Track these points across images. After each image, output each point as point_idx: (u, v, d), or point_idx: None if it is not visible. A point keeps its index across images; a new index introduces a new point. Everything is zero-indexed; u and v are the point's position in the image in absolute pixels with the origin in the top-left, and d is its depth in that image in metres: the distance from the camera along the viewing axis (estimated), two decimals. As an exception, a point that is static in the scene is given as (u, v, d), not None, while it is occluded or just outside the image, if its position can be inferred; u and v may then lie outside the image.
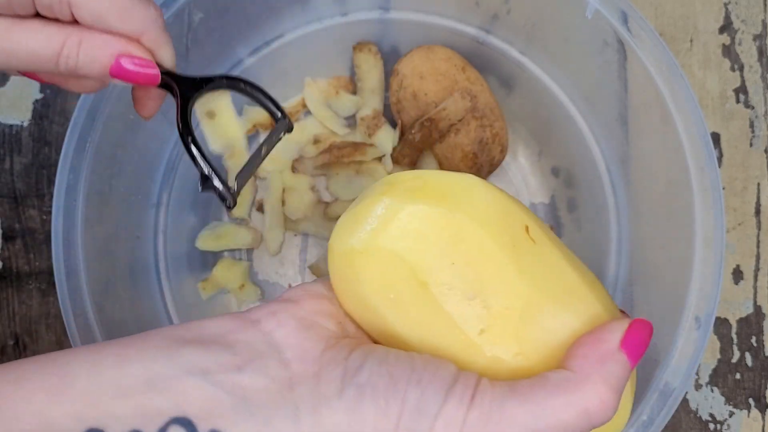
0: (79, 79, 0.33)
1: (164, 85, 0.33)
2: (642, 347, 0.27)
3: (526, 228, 0.29)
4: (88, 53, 0.30)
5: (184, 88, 0.34)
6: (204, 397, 0.23)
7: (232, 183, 0.34)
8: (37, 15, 0.30)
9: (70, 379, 0.24)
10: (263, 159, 0.36)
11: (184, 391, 0.23)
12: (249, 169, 0.36)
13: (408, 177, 0.30)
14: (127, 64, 0.31)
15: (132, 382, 0.24)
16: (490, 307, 0.28)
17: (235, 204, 0.34)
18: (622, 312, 0.31)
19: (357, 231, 0.29)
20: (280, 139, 0.36)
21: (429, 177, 0.30)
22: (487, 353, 0.28)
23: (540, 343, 0.28)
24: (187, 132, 0.34)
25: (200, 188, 0.33)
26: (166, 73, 0.33)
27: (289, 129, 0.37)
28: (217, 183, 0.33)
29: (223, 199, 0.33)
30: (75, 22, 0.30)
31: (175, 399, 0.23)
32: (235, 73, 0.48)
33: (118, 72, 0.31)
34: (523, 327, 0.28)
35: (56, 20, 0.30)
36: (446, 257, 0.28)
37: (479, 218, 0.28)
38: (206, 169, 0.33)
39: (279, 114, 0.36)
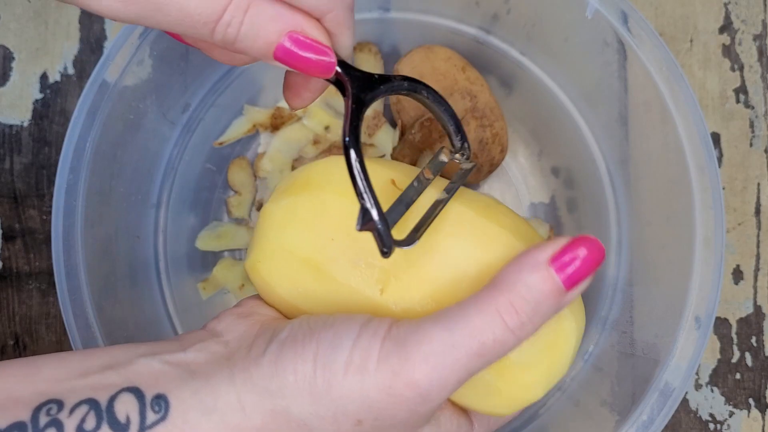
0: (231, 51, 0.27)
1: (334, 79, 0.27)
2: (579, 268, 0.25)
3: (392, 181, 0.30)
4: (255, 24, 0.25)
5: (357, 86, 0.27)
6: (152, 371, 0.26)
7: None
8: None
9: (38, 368, 0.26)
10: (442, 208, 0.29)
11: (135, 369, 0.26)
12: (427, 219, 0.29)
13: (286, 178, 0.33)
14: (299, 48, 0.25)
15: (92, 366, 0.26)
16: (375, 266, 0.29)
17: (390, 252, 0.26)
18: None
19: (254, 245, 0.32)
20: (464, 179, 0.30)
21: (298, 171, 0.32)
22: (395, 309, 0.28)
23: (447, 282, 0.28)
24: (355, 145, 0.26)
25: (358, 226, 0.26)
26: (339, 63, 0.27)
27: (472, 168, 0.30)
28: (380, 225, 0.26)
29: (381, 244, 0.26)
30: None
31: (126, 374, 0.26)
32: (235, 73, 0.48)
33: (285, 55, 0.25)
34: (423, 271, 0.28)
35: None
36: (324, 235, 0.29)
37: (338, 191, 0.30)
38: (371, 204, 0.26)
39: (464, 145, 0.30)
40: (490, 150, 0.48)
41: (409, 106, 0.48)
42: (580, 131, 0.47)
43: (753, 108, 0.53)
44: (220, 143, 0.50)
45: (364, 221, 0.26)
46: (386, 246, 0.26)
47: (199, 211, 0.50)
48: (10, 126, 0.51)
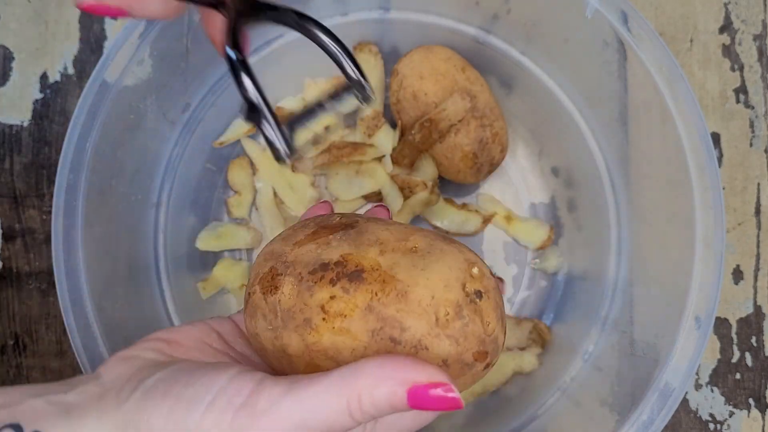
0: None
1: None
2: (432, 403, 0.27)
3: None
4: None
5: (239, 5, 0.28)
6: (35, 409, 0.28)
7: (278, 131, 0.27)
8: None
9: None
10: (322, 111, 0.30)
11: (22, 407, 0.28)
12: (304, 119, 0.30)
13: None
14: None
15: None
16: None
17: (288, 154, 0.27)
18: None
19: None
20: (351, 103, 0.31)
21: None
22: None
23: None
24: (234, 44, 0.28)
25: (244, 118, 0.27)
26: None
27: (366, 99, 0.30)
28: (268, 116, 0.26)
29: (270, 143, 0.27)
30: None
31: (12, 412, 0.28)
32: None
33: None
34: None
35: None
36: None
37: None
38: (255, 97, 0.26)
39: (355, 75, 0.30)
40: (490, 150, 0.48)
41: (409, 107, 0.48)
42: (580, 131, 0.47)
43: (753, 108, 0.53)
44: (220, 143, 0.50)
45: (251, 116, 0.27)
46: (274, 143, 0.27)
47: (199, 211, 0.50)
48: (10, 126, 0.51)
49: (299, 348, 0.29)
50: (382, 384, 0.26)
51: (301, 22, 0.29)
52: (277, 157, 0.27)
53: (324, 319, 0.28)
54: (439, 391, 0.27)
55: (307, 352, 0.29)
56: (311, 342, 0.28)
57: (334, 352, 0.28)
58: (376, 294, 0.27)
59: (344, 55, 0.29)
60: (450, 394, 0.27)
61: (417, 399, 0.26)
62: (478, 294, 0.28)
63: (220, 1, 0.28)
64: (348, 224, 0.31)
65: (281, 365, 0.30)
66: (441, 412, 0.28)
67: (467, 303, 0.27)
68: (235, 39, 0.28)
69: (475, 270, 0.28)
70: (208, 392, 0.27)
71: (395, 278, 0.27)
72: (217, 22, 0.31)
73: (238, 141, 0.51)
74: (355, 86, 0.30)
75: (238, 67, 0.27)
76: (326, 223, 0.32)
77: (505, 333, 0.30)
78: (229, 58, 0.27)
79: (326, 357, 0.28)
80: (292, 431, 0.26)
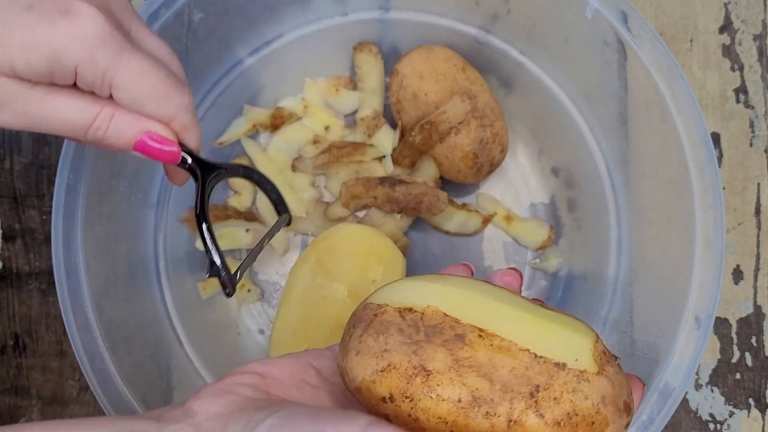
0: (102, 145, 0.35)
1: (187, 167, 0.35)
2: None
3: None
4: (118, 127, 0.32)
5: (205, 172, 0.36)
6: None
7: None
8: (74, 86, 0.31)
9: None
10: (262, 249, 0.42)
11: None
12: (249, 261, 0.40)
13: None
14: (151, 142, 0.33)
15: None
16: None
17: (233, 292, 0.37)
18: None
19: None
20: (279, 230, 0.43)
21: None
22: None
23: None
24: (203, 216, 0.36)
25: (207, 274, 0.36)
26: (189, 153, 0.35)
27: (288, 222, 0.43)
28: (223, 274, 0.36)
29: (224, 287, 0.36)
30: (110, 98, 0.32)
31: None
32: (235, 73, 0.48)
33: (142, 147, 0.33)
34: None
35: (91, 92, 0.32)
36: None
37: None
38: (217, 259, 0.36)
39: (283, 209, 0.43)
40: (490, 150, 0.48)
41: (409, 107, 0.48)
42: (580, 131, 0.47)
43: (753, 108, 0.53)
44: (220, 143, 0.50)
45: (212, 272, 0.36)
46: (227, 289, 0.36)
47: (199, 211, 0.50)
48: (10, 126, 0.51)
49: (445, 364, 0.27)
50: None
51: (247, 173, 0.41)
52: (227, 294, 0.37)
53: (480, 336, 0.27)
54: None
55: (455, 368, 0.27)
56: (463, 357, 0.27)
57: (489, 368, 0.27)
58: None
59: (275, 193, 0.42)
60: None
61: None
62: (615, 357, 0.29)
63: (191, 170, 0.36)
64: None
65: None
66: None
67: (612, 358, 0.29)
68: (204, 205, 0.36)
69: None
70: None
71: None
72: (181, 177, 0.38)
73: (238, 141, 0.51)
74: (282, 215, 0.43)
75: (204, 230, 0.36)
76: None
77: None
78: (199, 223, 0.36)
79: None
80: None
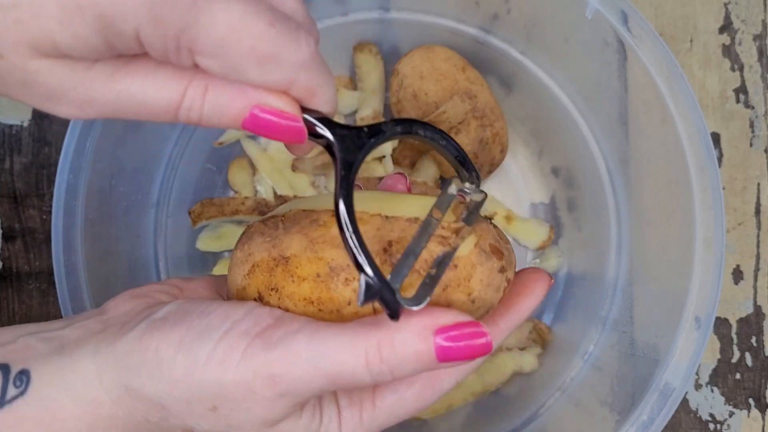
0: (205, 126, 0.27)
1: (324, 143, 0.26)
2: (459, 350, 0.25)
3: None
4: (216, 103, 0.25)
5: (345, 147, 0.25)
6: (25, 347, 0.27)
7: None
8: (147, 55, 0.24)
9: None
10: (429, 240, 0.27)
11: (13, 346, 0.27)
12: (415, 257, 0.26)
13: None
14: (265, 116, 0.25)
15: None
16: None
17: (399, 315, 0.25)
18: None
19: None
20: (478, 209, 0.28)
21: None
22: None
23: None
24: (350, 212, 0.25)
25: (360, 300, 0.24)
26: (321, 120, 0.25)
27: (481, 200, 0.29)
28: (386, 293, 0.24)
29: (390, 308, 0.24)
30: (196, 66, 0.24)
31: (3, 352, 0.27)
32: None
33: (254, 126, 0.25)
34: None
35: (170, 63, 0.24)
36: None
37: None
38: (370, 270, 0.24)
39: (470, 168, 0.29)
40: (490, 150, 0.48)
41: (409, 107, 0.48)
42: (580, 131, 0.47)
43: (753, 108, 0.53)
44: (220, 143, 0.50)
45: (367, 295, 0.24)
46: (394, 312, 0.24)
47: (199, 211, 0.50)
48: (10, 126, 0.51)
49: (301, 246, 0.27)
50: (404, 329, 0.24)
51: (407, 128, 0.28)
52: (391, 317, 0.25)
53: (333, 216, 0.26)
54: (469, 330, 0.24)
55: (311, 247, 0.27)
56: (317, 236, 0.27)
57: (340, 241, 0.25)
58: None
59: (456, 153, 0.30)
60: (480, 340, 0.24)
61: (447, 341, 0.24)
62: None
63: (325, 141, 0.26)
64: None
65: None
66: (450, 389, 0.27)
67: (482, 218, 0.29)
68: (349, 194, 0.25)
69: None
70: (223, 323, 0.25)
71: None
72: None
73: (238, 141, 0.51)
74: (465, 180, 0.30)
75: (351, 233, 0.24)
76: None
77: (514, 263, 0.29)
78: (341, 222, 0.25)
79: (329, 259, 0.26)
80: (302, 367, 0.24)
